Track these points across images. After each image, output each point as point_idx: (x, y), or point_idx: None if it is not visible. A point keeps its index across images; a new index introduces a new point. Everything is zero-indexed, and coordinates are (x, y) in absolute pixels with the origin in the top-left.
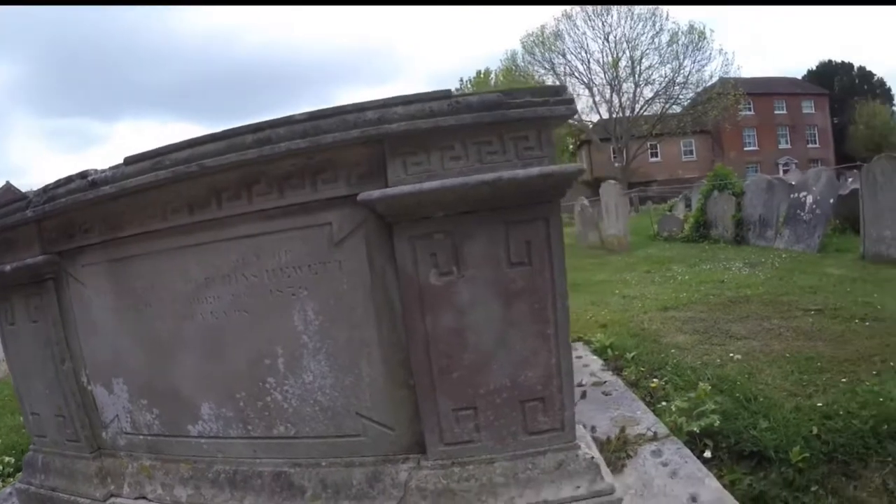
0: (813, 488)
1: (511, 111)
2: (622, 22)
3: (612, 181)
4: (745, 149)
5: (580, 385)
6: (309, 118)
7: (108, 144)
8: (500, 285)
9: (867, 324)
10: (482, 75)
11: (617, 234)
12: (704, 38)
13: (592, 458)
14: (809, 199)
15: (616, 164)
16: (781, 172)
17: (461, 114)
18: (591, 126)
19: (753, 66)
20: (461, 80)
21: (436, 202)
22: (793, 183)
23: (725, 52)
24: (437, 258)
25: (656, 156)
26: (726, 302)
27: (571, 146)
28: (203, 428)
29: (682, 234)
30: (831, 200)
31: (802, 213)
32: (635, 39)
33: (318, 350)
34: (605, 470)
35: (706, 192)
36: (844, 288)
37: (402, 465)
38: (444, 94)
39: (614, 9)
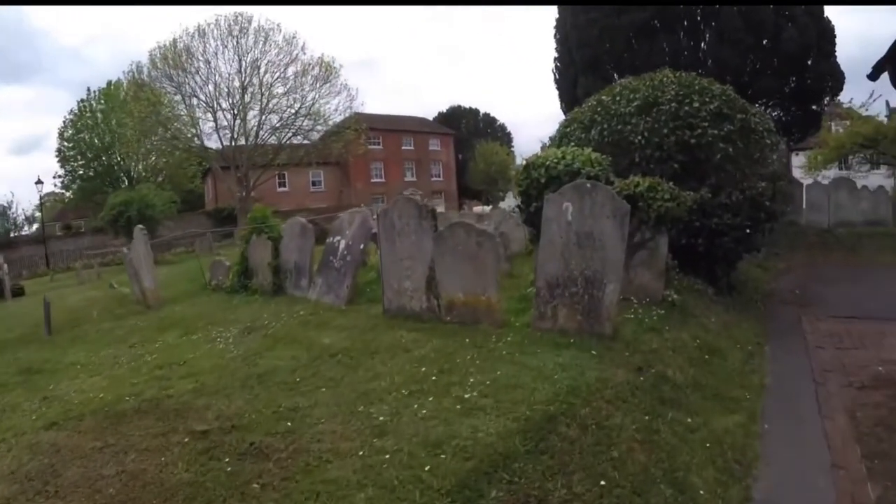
0: None
1: None
2: (259, 45)
3: (140, 227)
4: (373, 180)
5: None
6: None
7: None
8: None
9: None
10: (112, 87)
11: (149, 287)
12: (334, 72)
13: None
14: (342, 244)
15: (237, 194)
16: None
17: None
18: (211, 152)
19: (390, 104)
20: (88, 89)
21: None
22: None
23: (349, 88)
24: None
25: (284, 185)
26: (127, 411)
27: (194, 173)
28: None
29: (228, 283)
30: (362, 246)
31: (335, 260)
32: (268, 66)
33: None
34: None
35: (247, 235)
36: (308, 373)
37: None
38: None
39: (251, 31)
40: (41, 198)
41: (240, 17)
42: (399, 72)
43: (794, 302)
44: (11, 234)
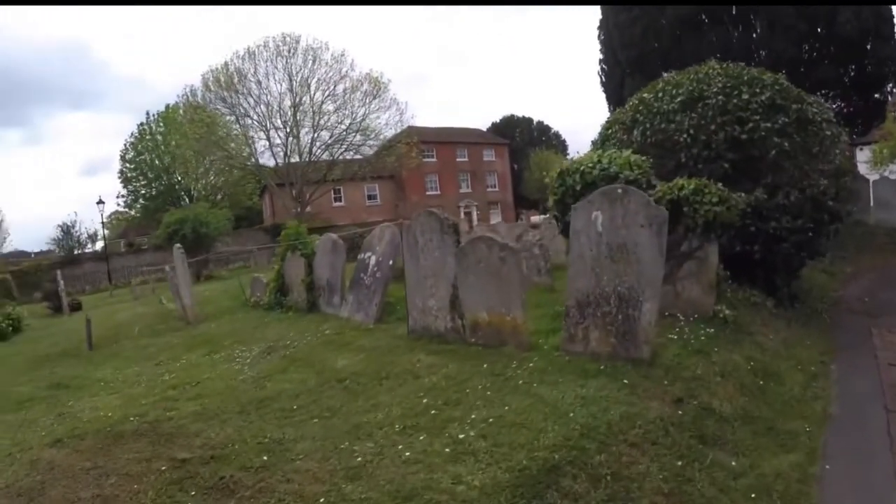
0: None
1: None
2: (308, 64)
3: (177, 246)
4: (428, 193)
5: None
6: None
7: None
8: None
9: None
10: (170, 110)
11: (188, 304)
12: (383, 87)
13: None
14: (373, 260)
15: (292, 211)
16: (462, 214)
17: None
18: (266, 170)
19: (444, 117)
20: (147, 113)
21: None
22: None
23: (398, 102)
24: None
25: (340, 200)
26: (126, 432)
27: (252, 190)
28: None
29: (265, 299)
30: (391, 262)
31: (365, 277)
32: (318, 84)
33: None
34: None
35: (283, 252)
36: (309, 400)
37: None
38: None
39: (300, 51)
40: (103, 217)
41: (288, 38)
42: (452, 84)
43: (864, 311)
44: (76, 252)
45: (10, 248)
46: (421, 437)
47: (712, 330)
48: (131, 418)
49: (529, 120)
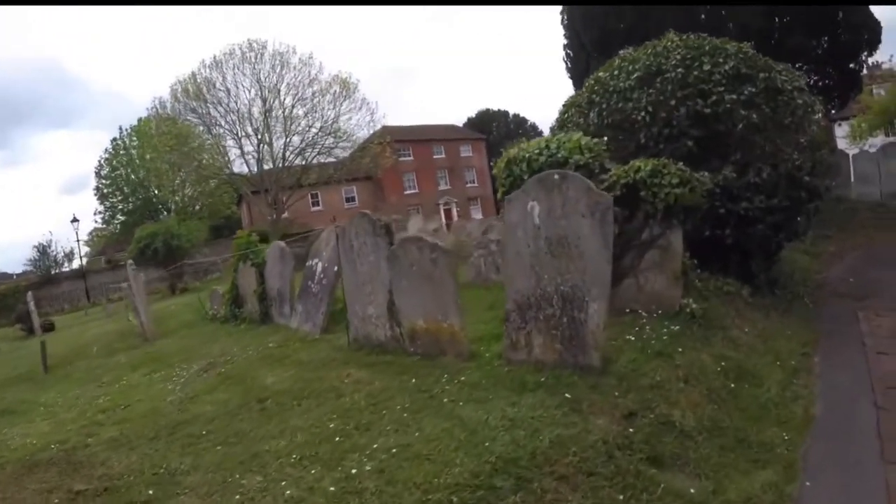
0: None
1: None
2: (276, 70)
3: (130, 262)
4: (406, 192)
5: None
6: None
7: None
8: None
9: None
10: (143, 123)
11: (145, 321)
12: (352, 88)
13: None
14: (319, 266)
15: (268, 217)
16: (442, 212)
17: None
18: (240, 178)
19: (424, 114)
20: (120, 128)
21: None
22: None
23: (368, 103)
24: None
25: (318, 204)
26: (42, 461)
27: (230, 200)
28: None
29: (221, 312)
30: (336, 268)
31: (312, 285)
32: (287, 89)
33: None
34: None
35: (235, 263)
36: (223, 424)
37: None
38: None
39: (266, 57)
40: (78, 234)
41: (254, 44)
42: (430, 80)
43: (849, 294)
44: (53, 272)
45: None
46: (314, 471)
47: (677, 327)
48: (52, 446)
49: (506, 113)
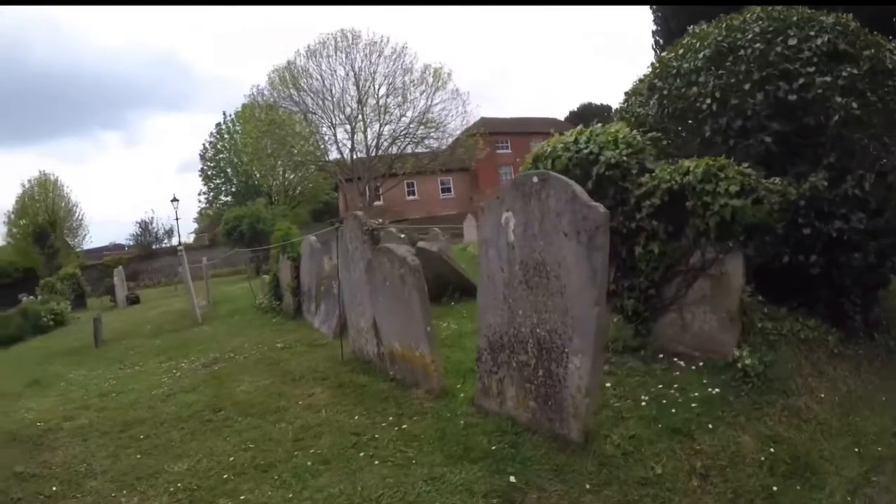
0: None
1: None
2: (372, 59)
3: (179, 247)
4: (503, 184)
5: None
6: None
7: None
8: None
9: None
10: (245, 109)
11: (194, 304)
12: (444, 79)
13: None
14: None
15: (359, 205)
16: None
17: None
18: (333, 165)
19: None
20: (224, 113)
21: None
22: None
23: (461, 93)
24: None
25: (414, 193)
26: (17, 439)
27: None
28: None
29: (264, 303)
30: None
31: (334, 285)
32: (381, 78)
33: None
34: None
35: (276, 255)
36: (169, 429)
37: None
38: None
39: (360, 47)
40: (177, 213)
41: (348, 34)
42: (531, 76)
43: None
44: (154, 247)
45: (107, 242)
46: None
47: (717, 389)
48: (38, 423)
49: (608, 107)
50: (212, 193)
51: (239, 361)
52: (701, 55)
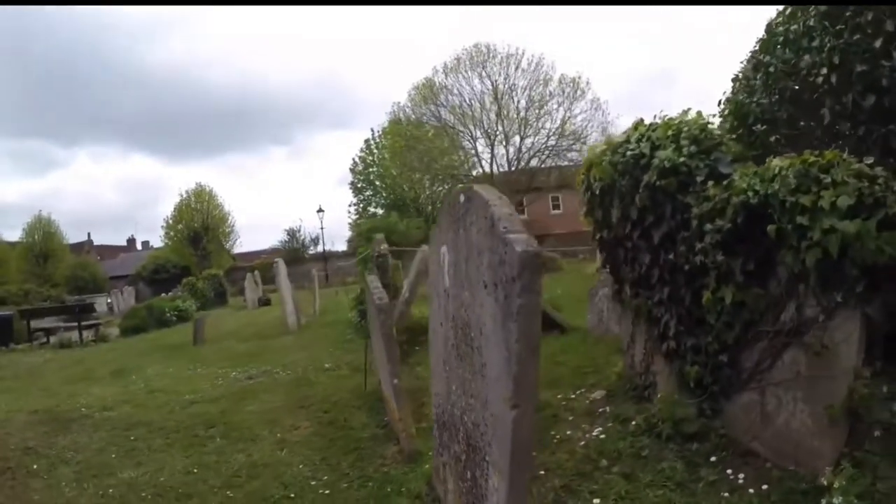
0: None
1: None
2: (510, 72)
3: (278, 258)
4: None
5: None
6: None
7: (67, 170)
8: None
9: None
10: (390, 125)
11: (287, 312)
12: (582, 88)
13: None
14: (405, 285)
15: None
16: None
17: None
18: (473, 180)
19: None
20: (371, 129)
21: None
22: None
23: (601, 102)
24: None
25: (559, 208)
26: (48, 420)
27: None
28: None
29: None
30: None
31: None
32: (519, 91)
33: None
34: None
35: (362, 271)
36: (129, 438)
37: None
38: None
39: (497, 61)
40: (322, 223)
41: (483, 49)
42: (696, 80)
43: None
44: (301, 253)
45: (266, 247)
46: None
47: None
48: (83, 409)
49: None
50: (361, 205)
51: (277, 378)
52: (813, 10)
